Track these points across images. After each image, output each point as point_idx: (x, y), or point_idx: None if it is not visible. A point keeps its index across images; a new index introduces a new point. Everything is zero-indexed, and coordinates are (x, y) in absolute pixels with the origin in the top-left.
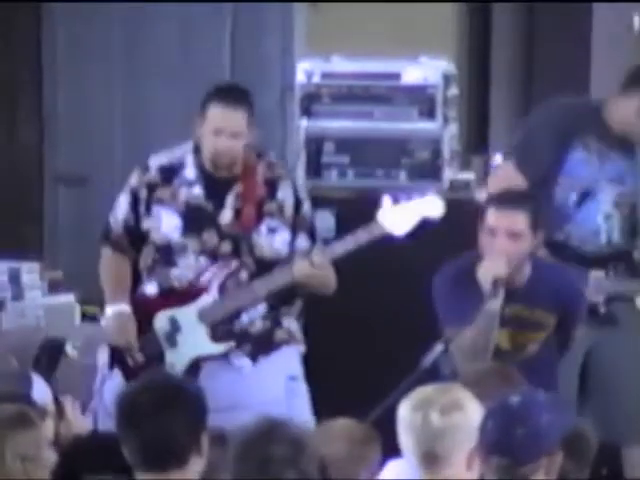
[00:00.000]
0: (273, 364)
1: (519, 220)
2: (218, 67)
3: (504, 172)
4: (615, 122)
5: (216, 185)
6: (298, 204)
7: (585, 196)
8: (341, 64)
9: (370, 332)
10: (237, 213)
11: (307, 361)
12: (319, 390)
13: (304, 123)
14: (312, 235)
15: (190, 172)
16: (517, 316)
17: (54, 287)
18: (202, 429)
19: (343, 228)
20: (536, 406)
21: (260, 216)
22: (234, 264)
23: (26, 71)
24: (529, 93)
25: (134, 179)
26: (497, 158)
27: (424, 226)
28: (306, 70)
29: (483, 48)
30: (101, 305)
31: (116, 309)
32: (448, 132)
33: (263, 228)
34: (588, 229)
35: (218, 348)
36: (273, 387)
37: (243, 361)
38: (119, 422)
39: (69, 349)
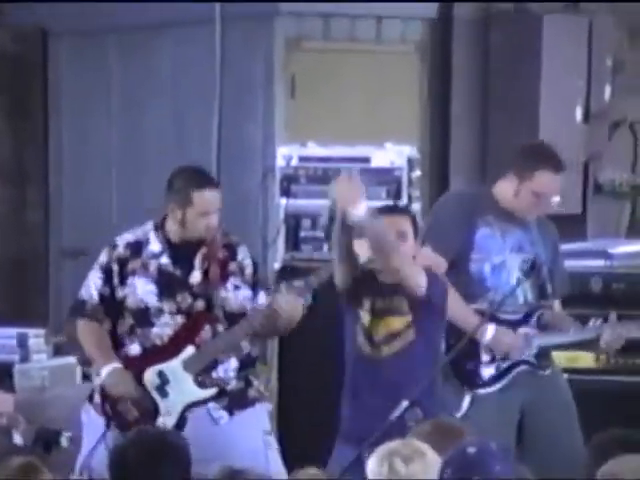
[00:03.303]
0: (249, 418)
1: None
2: (206, 152)
3: (424, 256)
4: (503, 203)
5: (182, 252)
6: (255, 266)
7: (496, 266)
8: (316, 149)
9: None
10: (205, 273)
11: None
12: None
13: (283, 202)
14: (268, 291)
15: (155, 246)
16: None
17: (58, 350)
18: (187, 476)
19: (318, 296)
20: (490, 456)
21: (225, 275)
22: (209, 318)
23: (33, 158)
24: (483, 175)
25: (104, 257)
26: None
27: None
28: (285, 155)
29: (443, 134)
30: None
31: (111, 367)
32: (413, 210)
33: (229, 285)
34: (505, 295)
35: (206, 393)
36: (252, 439)
37: (221, 413)
38: (111, 474)
39: (64, 441)
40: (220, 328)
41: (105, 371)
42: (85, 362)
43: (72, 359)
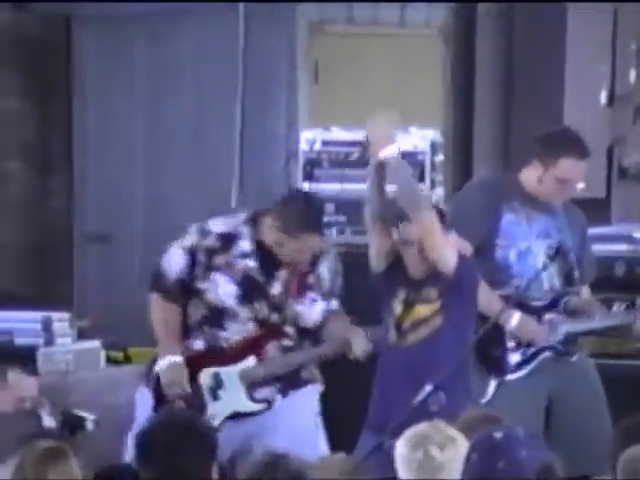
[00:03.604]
0: (302, 398)
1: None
2: (230, 138)
3: (453, 240)
4: (528, 189)
5: (270, 259)
6: (334, 275)
7: (522, 252)
8: (339, 134)
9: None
10: (285, 285)
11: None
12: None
13: (306, 186)
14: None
15: (245, 244)
16: None
17: (82, 334)
18: (212, 462)
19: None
20: (516, 442)
21: (303, 288)
22: (278, 333)
23: (58, 143)
24: (507, 161)
25: (193, 239)
26: None
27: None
28: (308, 139)
29: (467, 119)
30: (124, 351)
31: (170, 361)
32: (436, 194)
33: (306, 300)
34: (531, 280)
35: (254, 407)
36: (304, 419)
37: (274, 396)
38: (137, 456)
39: (89, 425)
40: (287, 342)
41: (165, 362)
42: (109, 346)
43: (96, 343)
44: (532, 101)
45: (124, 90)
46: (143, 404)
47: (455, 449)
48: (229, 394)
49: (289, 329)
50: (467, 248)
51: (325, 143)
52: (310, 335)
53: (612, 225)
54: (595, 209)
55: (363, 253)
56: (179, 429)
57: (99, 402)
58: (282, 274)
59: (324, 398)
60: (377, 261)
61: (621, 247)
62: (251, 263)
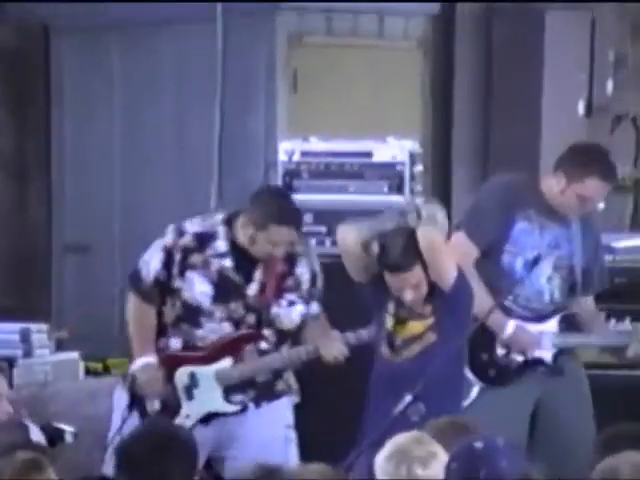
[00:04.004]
0: (274, 411)
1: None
2: (208, 147)
3: (457, 240)
4: (548, 197)
5: (246, 259)
6: (314, 277)
7: (530, 262)
8: (318, 144)
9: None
10: (262, 286)
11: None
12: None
13: None
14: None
15: (222, 244)
16: None
17: (60, 345)
18: (194, 473)
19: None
20: (497, 452)
21: (281, 290)
22: (256, 335)
23: (36, 154)
24: (486, 169)
25: (169, 239)
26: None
27: None
28: (287, 149)
29: (445, 129)
30: (103, 362)
31: (145, 361)
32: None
33: (283, 302)
34: (533, 290)
35: (230, 408)
36: (273, 431)
37: (247, 404)
38: (118, 467)
39: (68, 437)
40: (264, 346)
41: (139, 363)
42: (88, 357)
43: (74, 354)
44: (511, 111)
45: (102, 100)
46: (119, 406)
47: (438, 465)
48: (204, 394)
49: (267, 332)
50: (472, 253)
51: (304, 154)
52: (288, 339)
53: None
54: None
55: (343, 264)
56: (161, 439)
57: (78, 413)
58: (259, 274)
59: (302, 410)
60: (357, 274)
61: None
62: (227, 263)
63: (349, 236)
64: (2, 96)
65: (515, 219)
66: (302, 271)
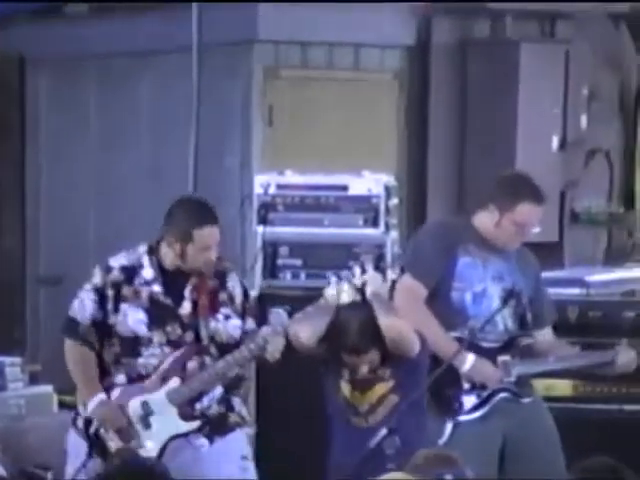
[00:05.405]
0: (228, 444)
1: None
2: (183, 179)
3: (405, 283)
4: (482, 232)
5: (173, 281)
6: (245, 293)
7: (478, 294)
8: (294, 177)
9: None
10: (194, 304)
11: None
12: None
13: (261, 229)
14: (257, 318)
15: (148, 272)
16: None
17: (34, 379)
18: None
19: None
20: None
21: (215, 305)
22: (196, 350)
23: (10, 185)
24: (461, 203)
25: (98, 279)
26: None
27: None
28: (262, 183)
29: (420, 163)
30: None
31: (98, 399)
32: (390, 237)
33: (220, 316)
34: (486, 322)
35: (189, 426)
36: (228, 465)
37: (202, 441)
38: None
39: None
40: (208, 360)
41: (92, 404)
42: (62, 391)
43: (48, 388)
44: (485, 145)
45: (78, 132)
46: (76, 452)
47: None
48: (161, 419)
49: (208, 345)
50: (421, 294)
51: (280, 187)
52: (230, 351)
53: (565, 269)
54: (548, 253)
55: (318, 297)
56: (137, 476)
57: (52, 447)
58: (189, 293)
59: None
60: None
61: (574, 291)
62: (156, 288)
63: (302, 335)
64: None
65: (457, 254)
66: (233, 285)
